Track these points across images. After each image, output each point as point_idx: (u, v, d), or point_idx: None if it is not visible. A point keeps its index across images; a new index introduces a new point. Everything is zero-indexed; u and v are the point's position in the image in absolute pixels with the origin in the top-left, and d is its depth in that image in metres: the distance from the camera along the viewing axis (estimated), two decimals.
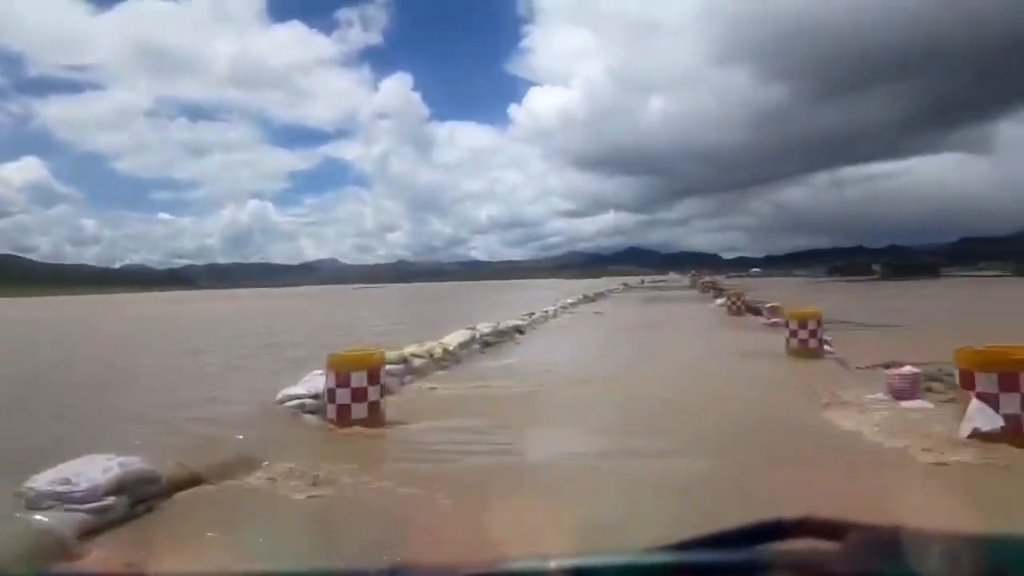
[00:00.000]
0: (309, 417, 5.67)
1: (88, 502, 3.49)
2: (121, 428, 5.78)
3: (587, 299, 30.70)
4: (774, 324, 14.18)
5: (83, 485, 3.52)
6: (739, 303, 20.09)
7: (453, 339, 10.27)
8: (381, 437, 5.28)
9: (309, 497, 3.77)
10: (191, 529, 3.40)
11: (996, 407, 4.35)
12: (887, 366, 10.25)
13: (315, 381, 5.96)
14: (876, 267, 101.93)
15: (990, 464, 3.97)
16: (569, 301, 26.76)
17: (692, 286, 52.17)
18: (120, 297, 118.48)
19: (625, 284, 62.35)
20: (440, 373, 8.79)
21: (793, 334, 9.71)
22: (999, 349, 4.58)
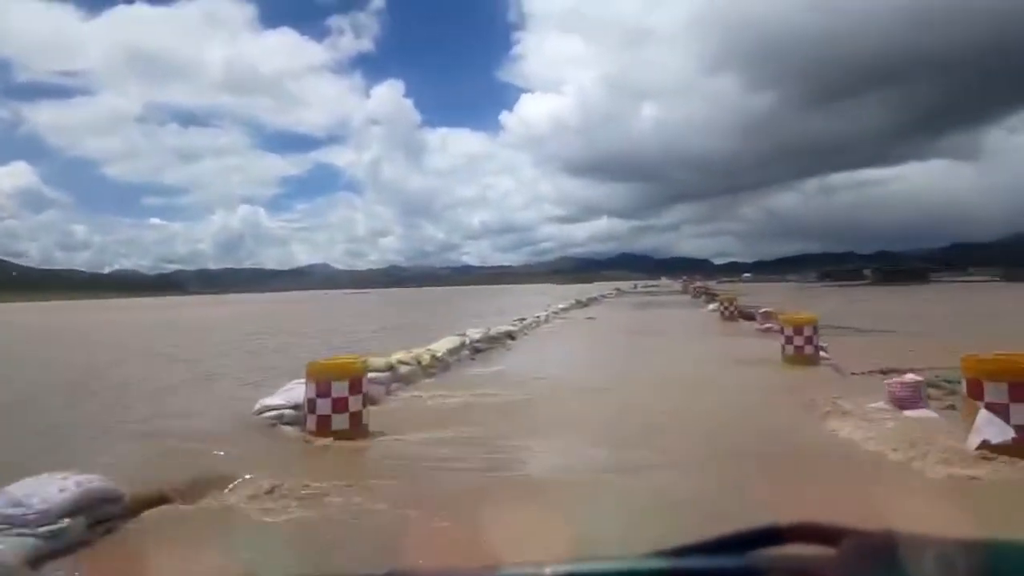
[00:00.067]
0: (287, 428, 5.42)
1: (41, 525, 3.23)
2: (84, 441, 5.50)
3: (579, 304, 30.54)
4: (768, 329, 14.05)
5: (35, 507, 3.26)
6: (732, 308, 19.96)
7: (442, 345, 10.02)
8: (362, 450, 5.03)
9: (285, 520, 3.52)
10: (152, 554, 3.14)
11: (1006, 418, 4.17)
12: (882, 372, 10.15)
13: (295, 391, 5.72)
14: (867, 272, 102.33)
15: (1006, 479, 3.77)
16: (561, 306, 26.57)
17: (684, 291, 52.20)
18: (109, 302, 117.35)
19: (618, 289, 62.39)
20: (428, 381, 8.55)
21: (789, 340, 9.54)
22: (1009, 358, 4.39)
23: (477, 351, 11.40)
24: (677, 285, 74.03)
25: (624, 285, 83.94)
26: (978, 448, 4.17)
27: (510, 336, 13.94)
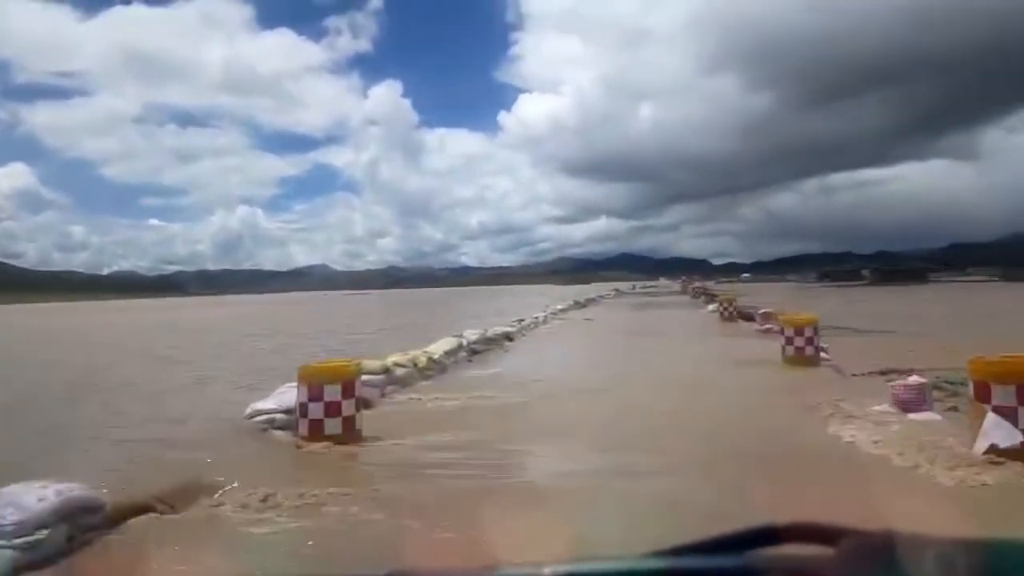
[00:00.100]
0: (279, 433, 5.30)
1: (18, 536, 3.11)
2: (70, 446, 5.38)
3: (578, 305, 30.45)
4: (768, 330, 13.96)
5: (12, 516, 3.14)
6: (732, 309, 19.86)
7: (438, 347, 9.91)
8: (355, 456, 4.91)
9: (271, 530, 3.40)
10: (132, 565, 3.03)
11: (1015, 421, 4.06)
12: (883, 373, 10.07)
13: (287, 394, 5.59)
14: (866, 272, 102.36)
15: (1015, 485, 3.67)
16: (560, 307, 26.47)
17: (683, 291, 52.15)
18: (107, 304, 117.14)
19: (616, 290, 62.35)
20: (424, 383, 8.44)
21: (789, 341, 9.44)
22: (1017, 359, 4.28)
23: (474, 353, 11.29)
24: (676, 286, 74.01)
25: (623, 286, 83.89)
26: (986, 453, 4.06)
27: (508, 337, 13.84)
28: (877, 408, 5.75)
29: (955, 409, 7.08)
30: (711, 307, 24.24)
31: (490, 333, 12.95)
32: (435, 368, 9.16)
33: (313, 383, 5.13)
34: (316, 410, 5.09)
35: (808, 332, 9.35)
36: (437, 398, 7.37)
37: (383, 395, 7.42)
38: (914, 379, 5.97)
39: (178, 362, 13.84)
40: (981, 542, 0.49)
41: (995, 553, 0.49)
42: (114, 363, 14.06)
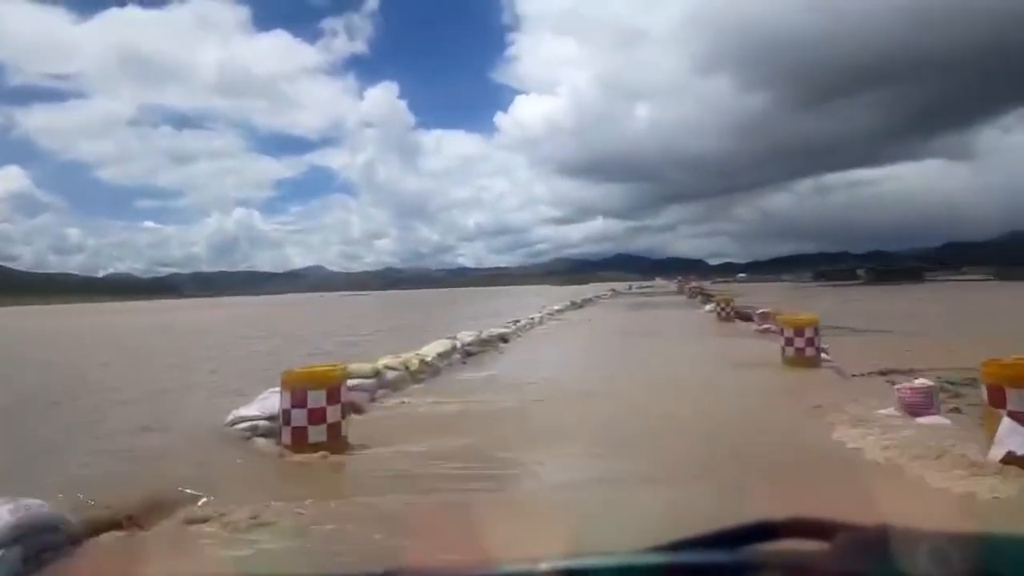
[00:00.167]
0: (261, 441, 5.07)
1: None
2: (40, 457, 5.13)
3: (575, 305, 30.26)
4: (766, 330, 13.81)
5: None
6: (729, 309, 19.69)
7: (432, 349, 9.69)
8: (340, 465, 4.68)
9: (247, 549, 3.17)
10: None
11: None
12: (882, 373, 9.91)
13: (271, 400, 5.36)
14: (861, 272, 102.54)
15: None
16: (556, 308, 26.26)
17: (679, 292, 52.10)
18: (103, 306, 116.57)
19: (613, 290, 62.27)
20: (416, 387, 8.20)
21: (789, 342, 9.25)
22: None
23: (469, 355, 11.06)
24: (672, 286, 73.99)
25: (619, 286, 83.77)
26: (1002, 461, 3.86)
27: (503, 339, 13.62)
28: (882, 412, 5.55)
29: (957, 411, 6.92)
30: (708, 307, 24.08)
31: (485, 335, 12.74)
32: (428, 371, 8.93)
33: (296, 389, 4.90)
34: (299, 417, 4.86)
35: (808, 333, 9.17)
36: (430, 402, 7.14)
37: (373, 399, 7.20)
38: (921, 382, 5.76)
39: (167, 366, 13.59)
40: (975, 536, 0.49)
41: (989, 547, 0.49)
42: (101, 366, 13.80)
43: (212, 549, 3.19)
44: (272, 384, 6.36)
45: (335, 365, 5.34)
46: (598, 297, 42.96)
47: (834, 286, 76.00)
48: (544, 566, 0.53)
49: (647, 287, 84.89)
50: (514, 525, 3.42)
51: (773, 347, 9.75)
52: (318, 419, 4.88)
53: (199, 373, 11.77)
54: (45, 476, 4.14)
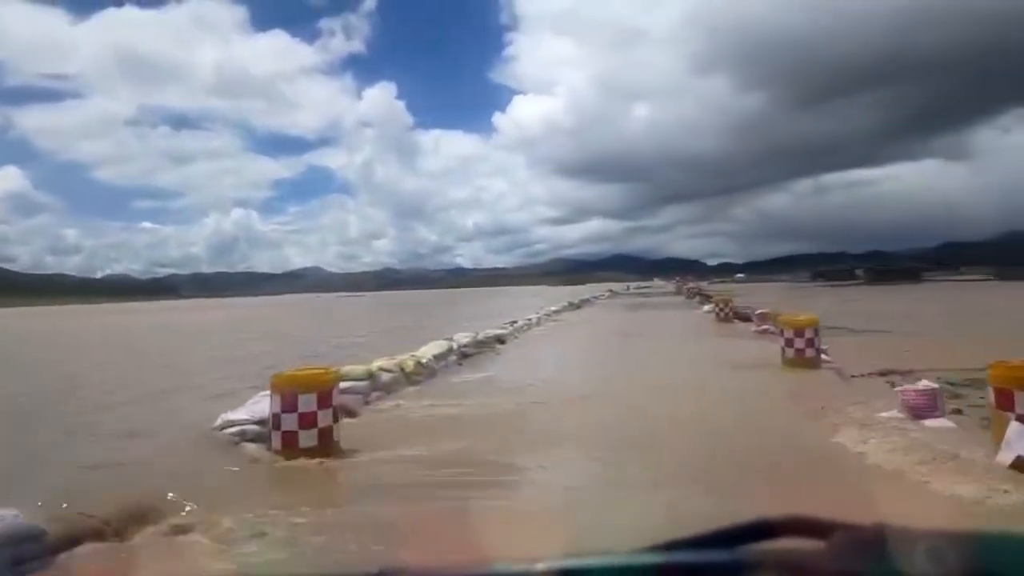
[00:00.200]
0: (250, 446, 4.94)
1: None
2: (21, 464, 4.99)
3: (572, 306, 30.16)
4: (765, 331, 13.73)
5: None
6: (727, 310, 19.60)
7: (427, 351, 9.57)
8: (332, 471, 4.55)
9: (231, 560, 3.06)
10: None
11: None
12: (882, 374, 9.81)
13: (261, 404, 5.24)
14: (859, 272, 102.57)
15: None
16: (554, 308, 26.16)
17: (677, 292, 52.06)
18: (100, 307, 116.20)
19: (611, 291, 62.24)
20: (412, 389, 8.08)
21: (789, 343, 9.16)
22: None
23: (465, 356, 10.95)
24: (670, 286, 73.99)
25: (617, 286, 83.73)
26: (1011, 465, 3.76)
27: (500, 340, 13.50)
28: (885, 414, 5.45)
29: (959, 412, 6.83)
30: (706, 308, 23.99)
31: (481, 336, 12.62)
32: (423, 373, 8.81)
33: (286, 392, 4.78)
34: (290, 421, 4.74)
35: (808, 333, 9.08)
36: (424, 405, 7.03)
37: (367, 402, 7.08)
38: (924, 384, 5.66)
39: (160, 367, 13.44)
40: (971, 535, 0.49)
41: (985, 546, 0.49)
42: (94, 368, 13.65)
43: (196, 559, 3.09)
44: (254, 387, 6.25)
45: (326, 368, 5.22)
46: (596, 298, 42.84)
47: (832, 286, 75.89)
48: (541, 566, 0.53)
49: (645, 287, 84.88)
50: (511, 530, 3.32)
51: (772, 348, 9.65)
52: (309, 423, 4.76)
53: (191, 375, 11.62)
54: (24, 484, 4.02)
